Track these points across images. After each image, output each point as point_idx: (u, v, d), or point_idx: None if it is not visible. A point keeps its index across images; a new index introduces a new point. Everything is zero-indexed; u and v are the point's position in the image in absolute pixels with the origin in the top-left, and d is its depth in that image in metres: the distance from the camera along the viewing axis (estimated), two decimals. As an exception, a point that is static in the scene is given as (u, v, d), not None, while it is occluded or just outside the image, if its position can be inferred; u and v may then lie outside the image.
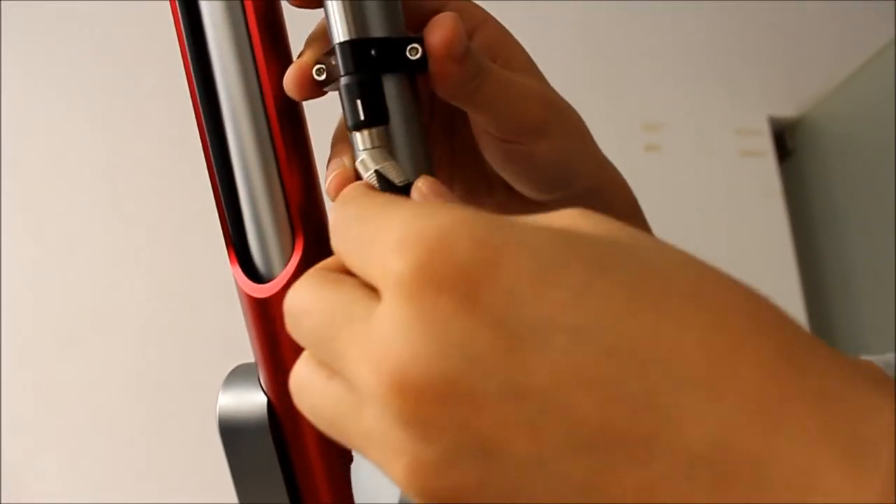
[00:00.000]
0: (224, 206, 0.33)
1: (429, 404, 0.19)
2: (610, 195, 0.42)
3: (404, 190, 0.30)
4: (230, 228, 0.33)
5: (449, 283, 0.19)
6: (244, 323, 0.34)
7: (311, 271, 0.25)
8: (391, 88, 0.31)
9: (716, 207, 1.44)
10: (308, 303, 0.24)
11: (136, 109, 1.37)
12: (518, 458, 0.19)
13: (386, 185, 0.30)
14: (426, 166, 0.32)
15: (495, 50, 0.37)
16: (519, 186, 0.38)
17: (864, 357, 0.49)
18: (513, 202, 0.40)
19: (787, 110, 1.51)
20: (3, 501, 1.29)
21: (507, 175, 0.38)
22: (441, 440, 0.20)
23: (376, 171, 0.29)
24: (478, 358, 0.19)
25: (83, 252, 1.34)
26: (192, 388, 1.31)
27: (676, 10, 1.48)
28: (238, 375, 0.37)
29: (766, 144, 1.46)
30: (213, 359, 1.33)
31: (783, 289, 1.42)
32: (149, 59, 1.37)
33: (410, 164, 0.31)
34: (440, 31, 0.31)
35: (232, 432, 0.35)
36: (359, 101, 0.30)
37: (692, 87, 1.48)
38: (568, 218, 0.22)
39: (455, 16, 0.32)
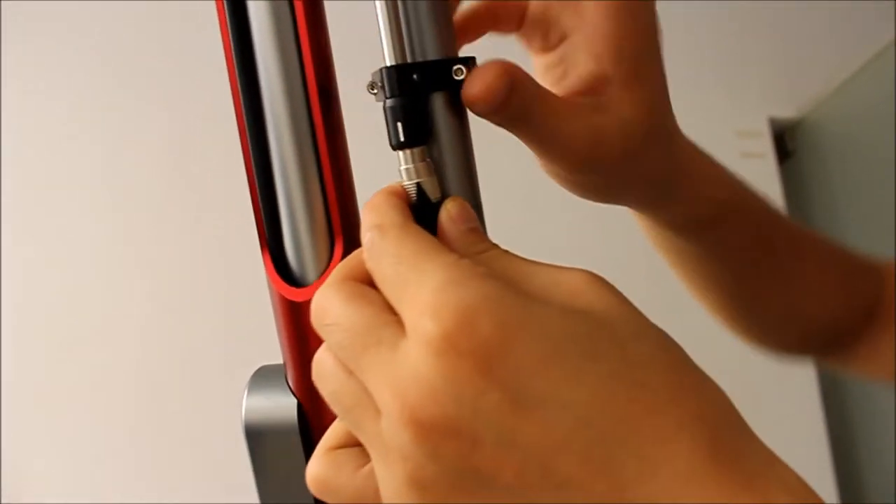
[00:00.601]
0: (261, 206, 0.33)
1: (439, 436, 0.25)
2: (689, 202, 0.45)
3: (437, 206, 0.32)
4: (266, 230, 0.33)
5: (469, 353, 0.24)
6: (273, 325, 0.34)
7: (339, 279, 0.29)
8: (437, 106, 0.32)
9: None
10: (339, 315, 0.28)
11: (137, 110, 1.36)
12: (503, 486, 0.25)
13: (422, 198, 0.31)
14: (467, 180, 0.33)
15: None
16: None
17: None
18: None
19: (787, 111, 1.51)
20: (3, 501, 1.28)
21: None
22: (443, 462, 0.25)
23: (417, 184, 0.31)
24: (484, 412, 0.24)
25: (83, 253, 1.33)
26: (192, 389, 1.31)
27: (676, 12, 1.48)
28: (264, 377, 0.36)
29: (767, 146, 1.46)
30: (214, 360, 1.34)
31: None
32: (150, 59, 1.36)
33: (451, 177, 0.33)
34: (475, 84, 0.32)
35: (259, 434, 0.35)
36: (399, 124, 0.31)
37: (692, 89, 1.48)
38: (579, 292, 0.27)
39: (498, 66, 0.32)
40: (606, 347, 0.26)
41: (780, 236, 0.53)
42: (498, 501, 0.25)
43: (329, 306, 0.28)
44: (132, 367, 1.32)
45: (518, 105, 0.33)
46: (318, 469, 0.30)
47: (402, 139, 0.31)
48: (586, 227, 1.36)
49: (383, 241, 0.28)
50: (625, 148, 0.38)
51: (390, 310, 0.27)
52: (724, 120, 1.47)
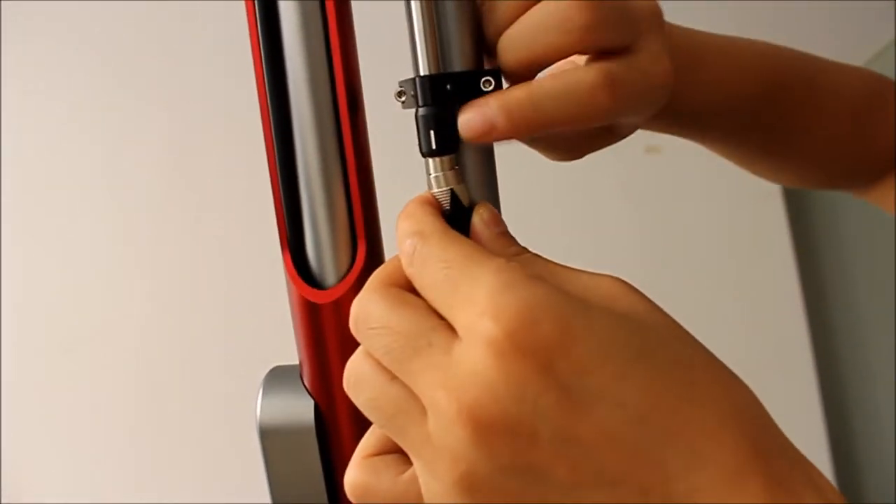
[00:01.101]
0: (283, 207, 0.33)
1: (496, 435, 0.25)
2: (703, 102, 0.48)
3: (469, 210, 0.33)
4: (287, 231, 0.33)
5: (531, 352, 0.25)
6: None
7: (381, 285, 0.29)
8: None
9: (716, 208, 1.44)
10: (386, 319, 0.28)
11: (138, 110, 1.36)
12: (556, 483, 0.26)
13: (456, 204, 0.32)
14: (491, 186, 0.34)
15: None
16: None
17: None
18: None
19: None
20: (3, 502, 1.28)
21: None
22: (498, 460, 0.26)
23: (451, 191, 0.32)
24: (544, 409, 0.25)
25: (83, 254, 1.33)
26: (192, 389, 1.30)
27: (675, 11, 1.48)
28: (278, 377, 0.36)
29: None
30: (214, 360, 1.34)
31: (782, 289, 1.42)
32: (150, 59, 1.36)
33: (476, 184, 0.34)
34: (467, 118, 0.32)
35: (274, 434, 0.35)
36: (432, 132, 0.32)
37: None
38: (617, 296, 0.29)
39: (483, 105, 0.32)
40: (654, 347, 0.27)
41: (799, 81, 0.54)
42: (549, 500, 0.26)
43: (373, 310, 0.28)
44: (132, 367, 1.32)
45: (516, 125, 0.33)
46: (357, 476, 0.30)
47: (433, 147, 0.32)
48: (587, 227, 1.36)
49: (427, 247, 0.29)
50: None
51: (437, 314, 0.28)
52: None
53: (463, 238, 0.29)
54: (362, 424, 0.34)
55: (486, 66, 0.34)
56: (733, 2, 1.51)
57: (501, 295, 0.26)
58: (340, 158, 0.33)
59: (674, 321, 0.29)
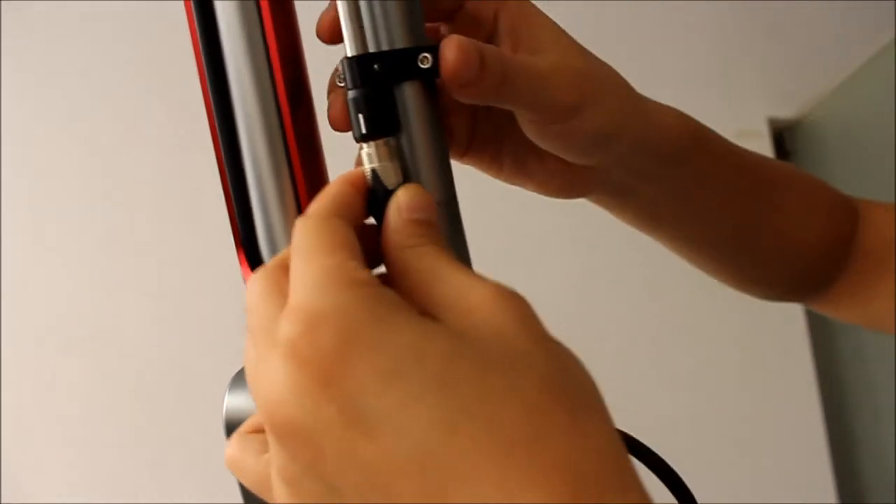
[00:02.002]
0: (234, 206, 0.33)
1: (289, 438, 0.25)
2: (656, 142, 0.44)
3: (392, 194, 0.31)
4: (240, 229, 0.33)
5: (309, 362, 0.24)
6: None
7: (270, 268, 0.29)
8: (406, 96, 0.32)
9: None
10: (256, 303, 0.28)
11: (137, 105, 1.36)
12: (348, 498, 0.25)
13: (379, 185, 0.31)
14: (439, 170, 0.33)
15: (518, 33, 0.37)
16: (564, 156, 0.40)
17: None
18: (564, 169, 0.41)
19: (786, 111, 1.51)
20: (3, 502, 1.28)
21: (549, 149, 0.39)
22: (299, 462, 0.25)
23: (372, 170, 0.31)
24: (324, 424, 0.24)
25: (83, 253, 1.33)
26: (192, 390, 1.30)
27: (675, 11, 1.48)
28: (244, 376, 0.37)
29: (766, 146, 1.46)
30: (215, 361, 1.34)
31: (783, 308, 1.42)
32: (149, 57, 1.36)
33: (422, 168, 0.32)
34: (446, 62, 0.32)
35: (240, 433, 0.35)
36: (361, 116, 0.31)
37: (691, 89, 1.48)
38: (477, 308, 0.26)
39: (458, 40, 0.33)
40: (463, 374, 0.24)
41: (759, 167, 0.54)
42: None
43: (250, 293, 0.28)
44: (133, 367, 1.32)
45: (497, 71, 0.33)
46: (230, 449, 0.31)
47: (363, 131, 0.31)
48: (585, 221, 1.36)
49: (301, 232, 0.28)
50: (609, 73, 0.39)
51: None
52: (723, 120, 1.45)
53: (335, 228, 0.28)
54: None
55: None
56: (732, 1, 1.50)
57: (307, 296, 0.25)
58: (286, 152, 0.32)
59: (537, 345, 0.26)
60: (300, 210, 0.33)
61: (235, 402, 0.36)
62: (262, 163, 0.32)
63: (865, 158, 1.39)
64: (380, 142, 0.31)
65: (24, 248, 1.33)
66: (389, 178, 0.31)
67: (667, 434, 1.35)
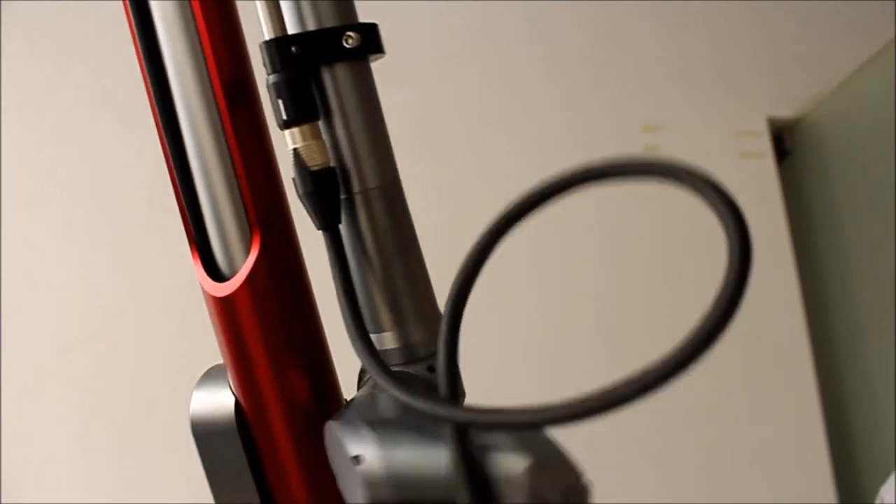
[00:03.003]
0: (185, 206, 0.33)
1: None
2: None
3: (318, 175, 0.30)
4: (192, 228, 0.33)
5: None
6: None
7: None
8: (333, 77, 0.31)
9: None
10: None
11: (134, 102, 1.37)
12: None
13: (301, 166, 0.30)
14: (375, 154, 0.32)
15: None
16: None
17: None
18: None
19: (785, 111, 1.50)
20: (3, 502, 1.29)
21: None
22: None
23: (294, 150, 0.30)
24: None
25: (83, 252, 1.34)
26: (191, 389, 1.31)
27: (676, 12, 1.48)
28: (210, 376, 0.37)
29: (765, 145, 1.46)
30: (214, 361, 1.34)
31: (782, 290, 1.42)
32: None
33: (359, 150, 0.31)
34: None
35: (203, 433, 0.36)
36: (280, 101, 0.30)
37: (691, 89, 1.48)
38: None
39: None
40: None
41: None
42: None
43: None
44: (134, 366, 1.32)
45: None
46: None
47: (283, 117, 0.30)
48: (582, 207, 1.36)
49: None
50: None
51: None
52: (723, 120, 1.47)
53: None
54: (285, 419, 0.34)
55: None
56: (732, 2, 1.50)
57: None
58: (227, 149, 0.32)
59: None
60: (244, 201, 0.32)
61: (199, 401, 0.36)
62: (202, 161, 0.32)
63: (865, 158, 1.38)
64: (312, 136, 0.30)
65: (24, 247, 1.33)
66: (314, 158, 0.30)
67: (667, 435, 1.35)
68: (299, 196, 0.32)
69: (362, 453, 0.28)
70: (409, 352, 0.35)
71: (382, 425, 0.29)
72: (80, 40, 1.38)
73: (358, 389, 0.36)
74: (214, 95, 0.31)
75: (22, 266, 1.32)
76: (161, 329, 1.33)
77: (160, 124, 0.32)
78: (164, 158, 0.32)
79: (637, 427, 1.36)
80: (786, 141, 1.51)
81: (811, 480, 1.38)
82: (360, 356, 0.31)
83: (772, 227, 1.43)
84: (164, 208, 1.34)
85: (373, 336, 0.35)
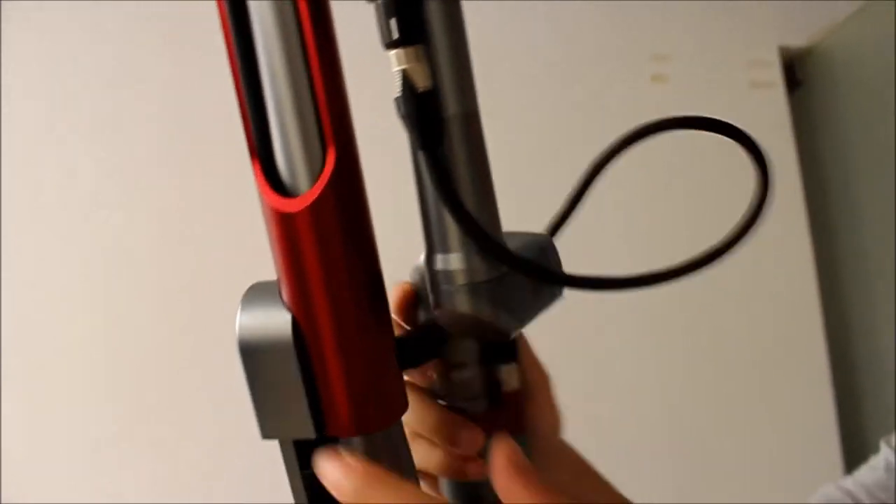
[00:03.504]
0: (249, 115, 0.32)
1: None
2: None
3: (422, 97, 0.32)
4: (255, 139, 0.32)
5: None
6: (268, 241, 0.33)
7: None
8: (437, 4, 0.32)
9: (722, 140, 1.42)
10: None
11: (137, 41, 1.34)
12: None
13: (407, 86, 0.32)
14: (461, 80, 0.33)
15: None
16: None
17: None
18: None
19: (797, 40, 1.48)
20: (3, 502, 1.29)
21: None
22: None
23: (402, 71, 0.31)
24: None
25: (84, 250, 1.32)
26: (192, 389, 1.30)
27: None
28: (257, 293, 0.36)
29: (776, 75, 1.44)
30: (215, 361, 1.33)
31: (790, 222, 1.41)
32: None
33: (444, 77, 0.33)
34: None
35: (254, 350, 0.35)
36: (391, 21, 0.31)
37: (702, 19, 1.45)
38: None
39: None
40: None
41: None
42: None
43: None
44: (134, 365, 1.31)
45: None
46: None
47: (394, 37, 0.31)
48: (592, 154, 1.35)
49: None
50: None
51: None
52: (734, 49, 1.45)
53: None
54: (342, 337, 0.34)
55: None
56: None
57: None
58: (304, 61, 0.31)
59: None
60: (319, 121, 0.31)
61: (249, 319, 0.35)
62: (278, 69, 0.31)
63: (876, 87, 1.37)
64: (415, 58, 0.31)
65: (23, 246, 1.32)
66: (419, 80, 0.31)
67: (673, 365, 1.36)
68: (401, 117, 0.33)
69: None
70: (472, 274, 0.36)
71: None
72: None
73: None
74: (296, 5, 0.30)
75: (20, 263, 1.31)
76: (164, 327, 1.33)
77: (229, 31, 0.31)
78: (230, 68, 0.31)
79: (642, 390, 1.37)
80: (797, 70, 1.49)
81: (816, 429, 1.39)
82: (483, 251, 0.36)
83: (781, 157, 1.41)
84: (169, 207, 1.33)
85: (439, 256, 0.37)
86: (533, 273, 0.36)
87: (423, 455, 0.47)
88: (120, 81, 1.34)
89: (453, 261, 0.36)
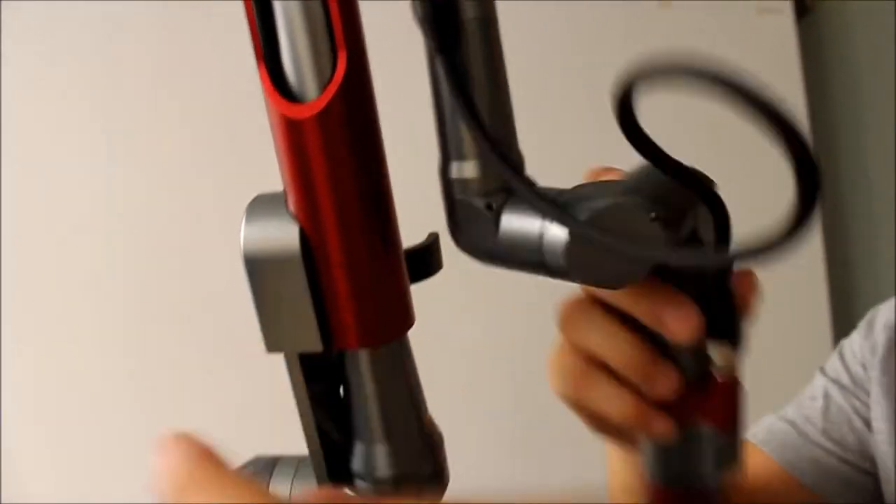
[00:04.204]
0: (256, 17, 0.31)
1: None
2: None
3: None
4: (262, 42, 0.31)
5: None
6: (274, 148, 0.33)
7: None
8: None
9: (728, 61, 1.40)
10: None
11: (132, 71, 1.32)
12: None
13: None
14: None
15: None
16: None
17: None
18: None
19: (807, -36, 1.45)
20: (3, 502, 1.30)
21: None
22: None
23: None
24: None
25: (83, 250, 1.31)
26: (192, 389, 1.30)
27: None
28: (262, 205, 0.35)
29: (784, 2, 1.42)
30: (216, 361, 1.32)
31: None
32: None
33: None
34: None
35: (260, 262, 0.34)
36: None
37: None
38: None
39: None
40: None
41: None
42: None
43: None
44: (133, 367, 1.32)
45: None
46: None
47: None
48: (598, 80, 1.34)
49: None
50: None
51: None
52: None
53: None
54: (349, 247, 0.34)
55: None
56: None
57: None
58: None
59: None
60: (329, 25, 0.31)
61: (254, 231, 0.34)
62: None
63: (889, 16, 1.35)
64: None
65: (22, 245, 1.31)
66: None
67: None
68: (418, 20, 0.34)
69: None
70: (487, 182, 0.37)
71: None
72: None
73: None
74: None
75: (20, 262, 1.30)
76: (163, 328, 1.33)
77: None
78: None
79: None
80: (807, -2, 1.47)
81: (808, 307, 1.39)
82: (496, 168, 0.35)
83: (787, 88, 1.39)
84: (172, 209, 1.31)
85: (454, 163, 0.37)
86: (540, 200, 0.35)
87: (606, 394, 0.41)
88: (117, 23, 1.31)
89: (468, 169, 0.36)
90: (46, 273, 1.33)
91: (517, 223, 0.37)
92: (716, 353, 0.39)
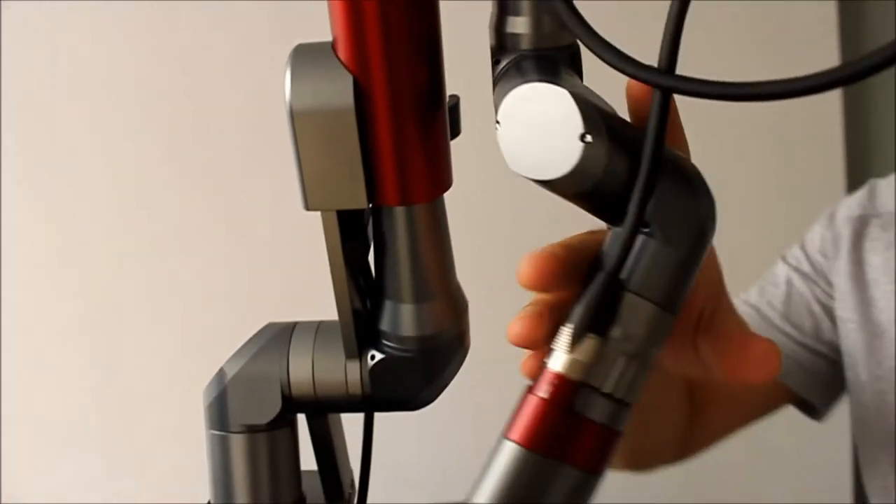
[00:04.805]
0: None
1: None
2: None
3: None
4: None
5: None
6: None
7: None
8: None
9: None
10: None
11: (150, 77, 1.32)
12: None
13: None
14: None
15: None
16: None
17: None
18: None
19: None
20: (3, 502, 1.32)
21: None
22: None
23: None
24: None
25: (85, 248, 1.33)
26: (193, 388, 1.30)
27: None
28: (308, 55, 0.35)
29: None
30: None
31: (825, 146, 1.38)
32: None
33: None
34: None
35: (309, 116, 0.34)
36: None
37: None
38: None
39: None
40: None
41: None
42: None
43: None
44: (134, 366, 1.33)
45: None
46: None
47: None
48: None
49: None
50: None
51: None
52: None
53: None
54: (398, 100, 0.34)
55: None
56: None
57: None
58: None
59: None
60: None
61: (302, 83, 0.34)
62: None
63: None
64: None
65: (23, 245, 1.33)
66: None
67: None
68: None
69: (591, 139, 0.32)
70: (539, 40, 0.36)
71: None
72: None
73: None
74: None
75: (20, 262, 1.31)
76: (162, 327, 1.34)
77: None
78: None
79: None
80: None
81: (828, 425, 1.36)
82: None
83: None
84: (177, 204, 1.27)
85: (509, 18, 0.36)
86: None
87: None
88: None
89: (520, 24, 0.36)
90: (46, 273, 1.33)
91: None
92: None
